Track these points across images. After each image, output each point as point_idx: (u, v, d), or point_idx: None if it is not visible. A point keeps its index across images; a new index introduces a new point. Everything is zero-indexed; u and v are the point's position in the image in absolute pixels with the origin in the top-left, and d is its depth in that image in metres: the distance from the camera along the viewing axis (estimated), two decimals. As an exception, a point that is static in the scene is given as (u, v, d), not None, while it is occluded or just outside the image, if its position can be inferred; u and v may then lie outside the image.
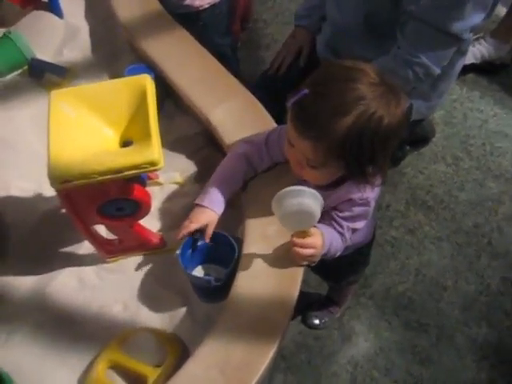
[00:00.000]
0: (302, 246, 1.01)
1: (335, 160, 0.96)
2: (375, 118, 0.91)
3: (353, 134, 0.91)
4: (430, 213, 2.00)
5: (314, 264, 1.05)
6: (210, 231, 1.08)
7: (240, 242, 1.09)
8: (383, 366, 1.71)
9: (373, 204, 1.09)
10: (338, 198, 1.06)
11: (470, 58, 2.31)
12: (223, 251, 1.08)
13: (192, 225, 1.07)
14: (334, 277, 1.61)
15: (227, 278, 1.06)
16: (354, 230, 1.11)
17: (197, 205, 1.09)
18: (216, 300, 1.10)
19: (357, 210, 1.07)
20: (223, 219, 1.11)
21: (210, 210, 1.08)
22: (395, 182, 2.06)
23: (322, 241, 1.02)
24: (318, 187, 1.05)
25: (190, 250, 1.10)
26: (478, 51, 2.33)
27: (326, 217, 1.09)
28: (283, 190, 0.94)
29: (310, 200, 0.94)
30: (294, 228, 1.00)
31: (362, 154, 0.94)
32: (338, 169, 0.99)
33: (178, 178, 1.31)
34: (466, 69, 2.31)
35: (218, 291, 1.07)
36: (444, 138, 2.19)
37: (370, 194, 1.06)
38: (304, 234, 1.00)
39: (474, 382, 1.69)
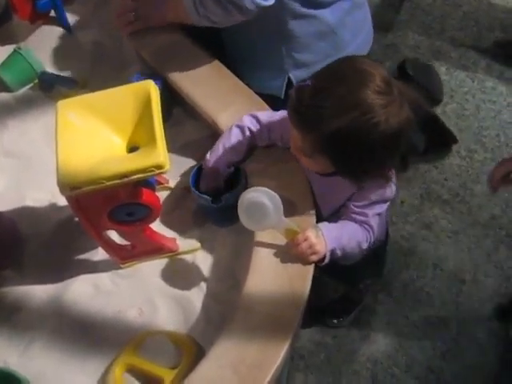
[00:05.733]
0: (295, 245, 1.02)
1: (320, 155, 0.97)
2: (368, 125, 0.91)
3: (340, 135, 0.92)
4: (445, 206, 1.99)
5: (322, 258, 1.04)
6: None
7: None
8: (404, 363, 1.70)
9: (390, 186, 1.08)
10: (348, 187, 1.05)
11: None
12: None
13: None
14: (350, 280, 1.61)
15: (226, 200, 1.13)
16: (378, 215, 1.10)
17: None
18: (223, 222, 1.21)
19: (373, 196, 1.07)
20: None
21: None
22: (409, 177, 2.05)
23: (314, 232, 1.02)
24: (320, 174, 1.06)
25: None
26: None
27: (346, 210, 1.10)
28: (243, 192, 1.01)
29: (259, 193, 0.99)
30: (255, 226, 1.04)
31: (347, 156, 0.95)
32: (328, 163, 1.00)
33: (187, 182, 1.31)
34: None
35: (221, 213, 1.17)
36: (457, 131, 2.17)
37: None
38: (293, 233, 1.03)
39: (496, 377, 1.66)
